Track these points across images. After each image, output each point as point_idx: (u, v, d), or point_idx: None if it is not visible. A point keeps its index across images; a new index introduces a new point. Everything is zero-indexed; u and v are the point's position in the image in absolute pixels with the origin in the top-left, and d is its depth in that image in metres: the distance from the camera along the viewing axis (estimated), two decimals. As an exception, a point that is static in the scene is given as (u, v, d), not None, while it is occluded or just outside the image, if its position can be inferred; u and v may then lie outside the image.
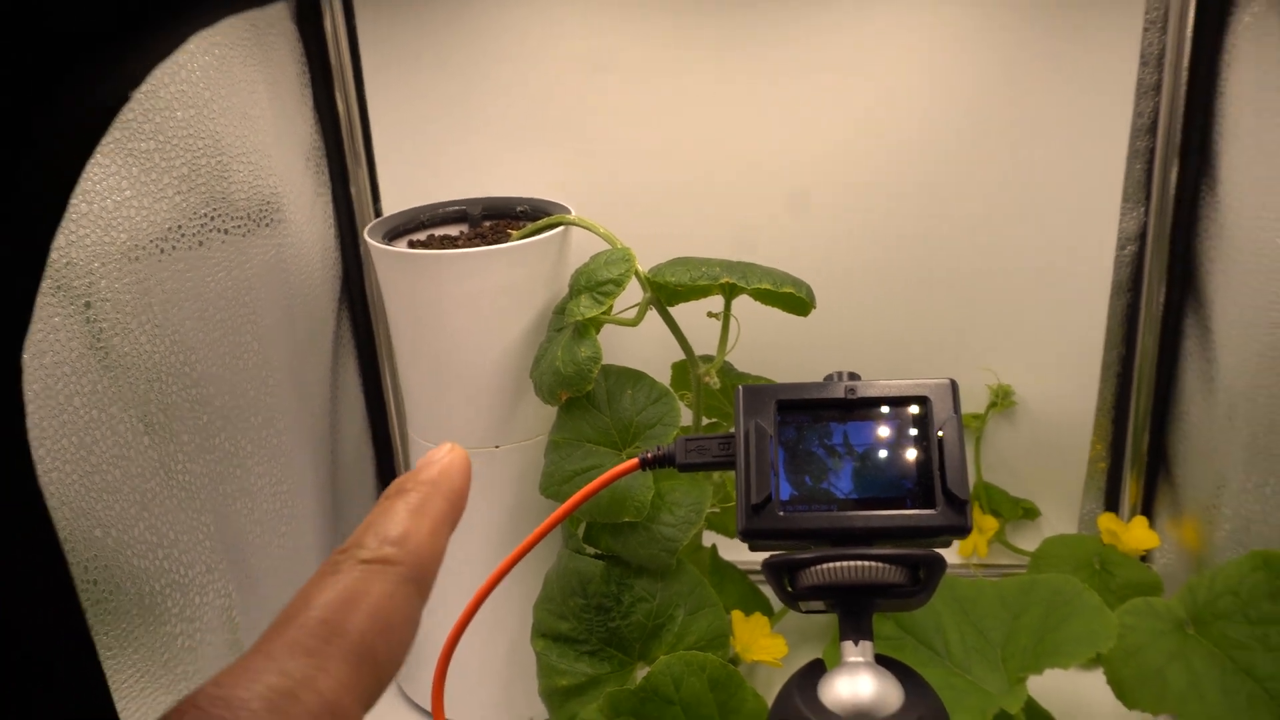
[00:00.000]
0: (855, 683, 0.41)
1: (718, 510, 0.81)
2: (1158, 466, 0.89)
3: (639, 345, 0.75)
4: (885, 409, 0.45)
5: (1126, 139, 0.81)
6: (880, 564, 0.42)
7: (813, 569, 0.42)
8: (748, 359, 0.78)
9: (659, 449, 0.48)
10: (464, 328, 0.71)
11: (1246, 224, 0.73)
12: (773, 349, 0.79)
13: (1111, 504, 0.92)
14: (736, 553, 0.86)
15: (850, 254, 0.86)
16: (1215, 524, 0.78)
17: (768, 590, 0.89)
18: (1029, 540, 0.93)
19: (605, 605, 0.70)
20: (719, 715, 0.63)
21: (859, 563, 0.42)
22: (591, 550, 0.72)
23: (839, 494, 0.44)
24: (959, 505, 0.43)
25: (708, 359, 0.73)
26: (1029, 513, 0.93)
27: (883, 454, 0.44)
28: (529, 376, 0.72)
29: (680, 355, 0.78)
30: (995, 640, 0.69)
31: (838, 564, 0.42)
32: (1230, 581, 0.68)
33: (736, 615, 0.78)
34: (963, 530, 0.43)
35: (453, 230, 0.80)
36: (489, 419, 0.74)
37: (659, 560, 0.69)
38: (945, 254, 0.87)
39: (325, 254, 0.84)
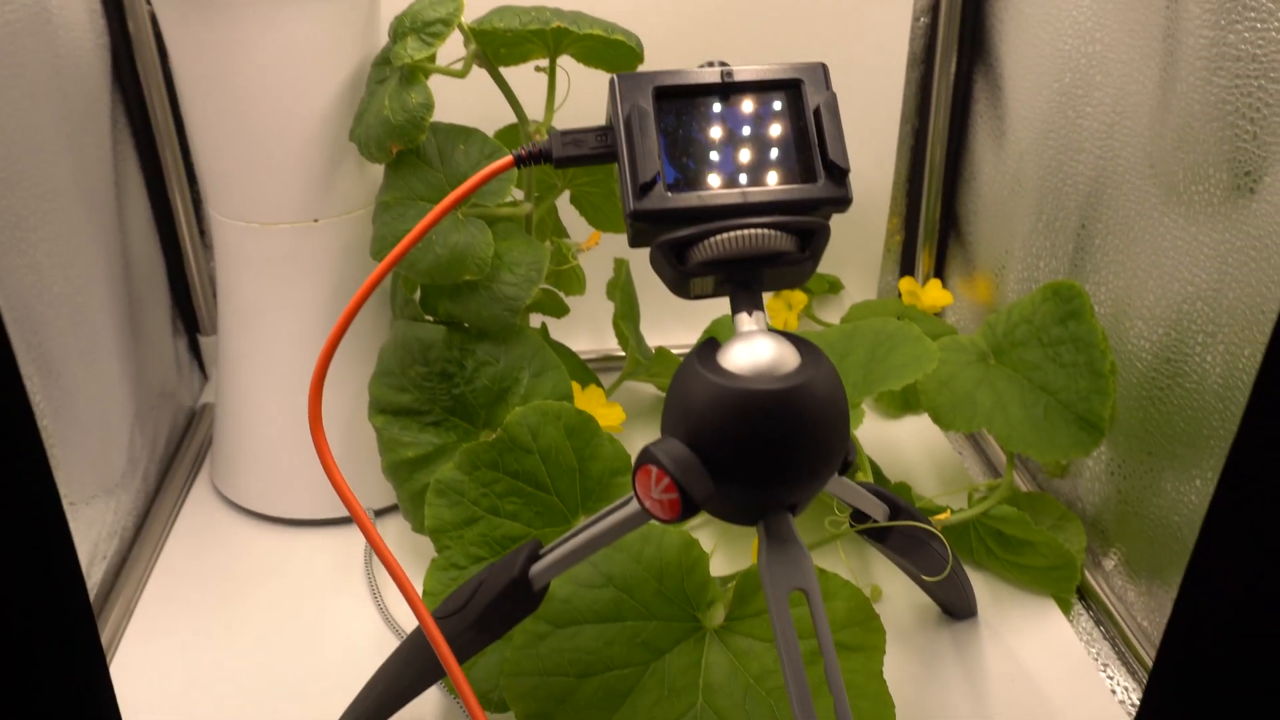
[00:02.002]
0: (754, 347, 0.42)
1: (547, 286, 0.80)
2: (949, 231, 0.95)
3: (459, 112, 0.72)
4: (761, 91, 0.45)
5: (922, -93, 0.84)
6: (771, 231, 0.42)
7: (707, 242, 0.42)
8: (573, 123, 0.76)
9: (534, 145, 0.46)
10: (269, 86, 0.65)
11: (1035, -20, 0.77)
12: (597, 113, 0.77)
13: (907, 271, 0.98)
14: (561, 336, 0.85)
15: (664, 24, 0.85)
16: (1007, 270, 0.84)
17: (597, 368, 0.90)
18: (834, 314, 0.98)
19: (449, 371, 0.68)
20: (577, 461, 0.63)
21: (751, 231, 0.42)
22: (429, 318, 0.70)
23: (723, 173, 0.44)
24: (840, 176, 0.44)
25: (535, 123, 0.71)
26: (834, 286, 0.98)
27: (762, 133, 0.44)
28: (349, 139, 0.67)
29: (503, 122, 0.76)
30: (825, 380, 0.73)
31: (731, 234, 0.42)
32: (1025, 312, 0.75)
33: (574, 387, 0.78)
34: (845, 201, 0.44)
35: (241, -10, 0.72)
36: (305, 190, 0.69)
37: (502, 320, 0.67)
38: (743, 30, 0.87)
39: (92, 19, 0.74)
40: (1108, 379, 0.67)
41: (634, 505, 0.45)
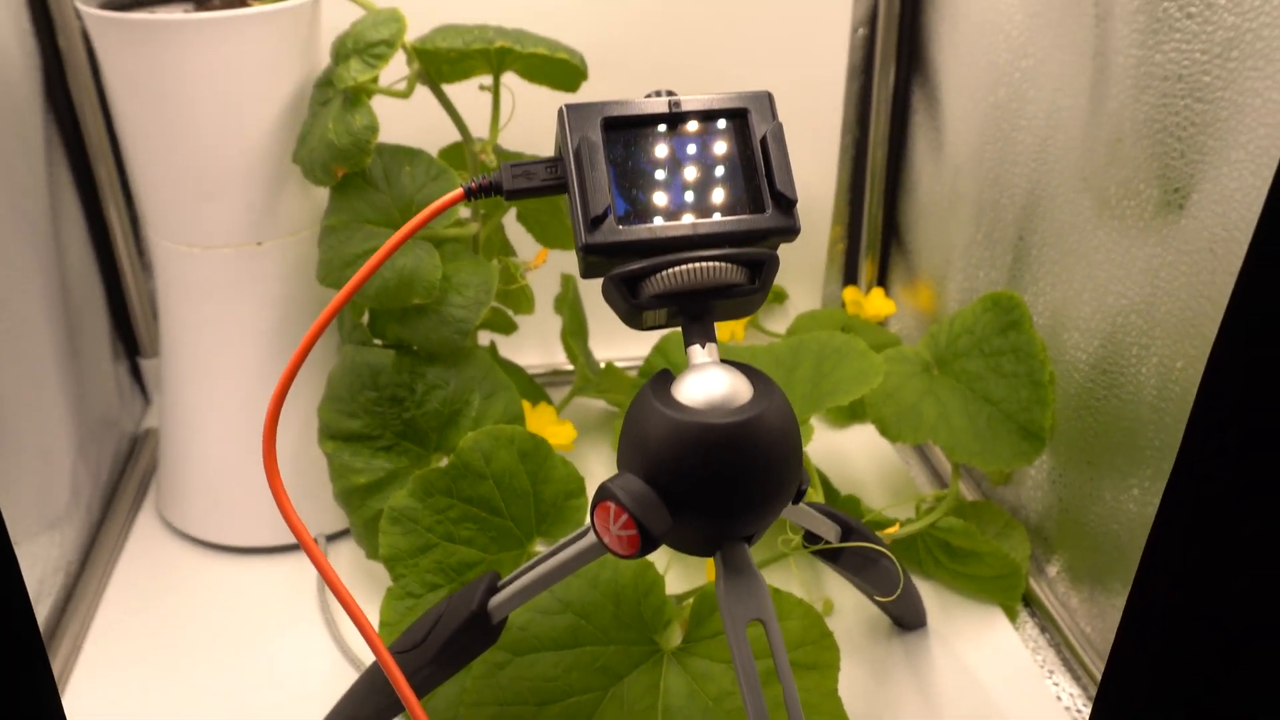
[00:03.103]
0: (707, 380, 0.42)
1: (496, 305, 0.79)
2: (891, 240, 0.97)
3: (404, 132, 0.71)
4: (709, 121, 0.45)
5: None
6: (722, 264, 0.43)
7: (658, 275, 0.43)
8: (519, 141, 0.76)
9: (484, 177, 0.46)
10: (210, 108, 0.64)
11: (970, -4, 0.79)
12: (542, 130, 0.77)
13: (850, 280, 1.00)
14: (510, 353, 0.85)
15: (607, 40, 0.85)
16: (948, 279, 0.86)
17: (546, 386, 0.90)
18: (780, 323, 0.99)
19: (399, 396, 0.68)
20: (531, 485, 0.63)
21: (702, 264, 0.43)
22: (378, 342, 0.69)
23: (672, 205, 0.44)
24: (787, 206, 0.44)
25: (480, 140, 0.71)
26: (778, 297, 0.99)
27: (710, 163, 0.45)
28: (293, 161, 0.67)
29: (447, 140, 0.75)
30: (774, 394, 0.74)
31: (682, 267, 0.42)
32: (966, 323, 0.76)
33: (524, 405, 0.78)
34: (793, 230, 0.45)
35: (176, 9, 0.71)
36: (248, 213, 0.68)
37: (451, 343, 0.67)
38: (686, 42, 0.87)
39: (22, 40, 0.72)
40: (1047, 389, 0.69)
41: (591, 538, 0.45)
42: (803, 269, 0.99)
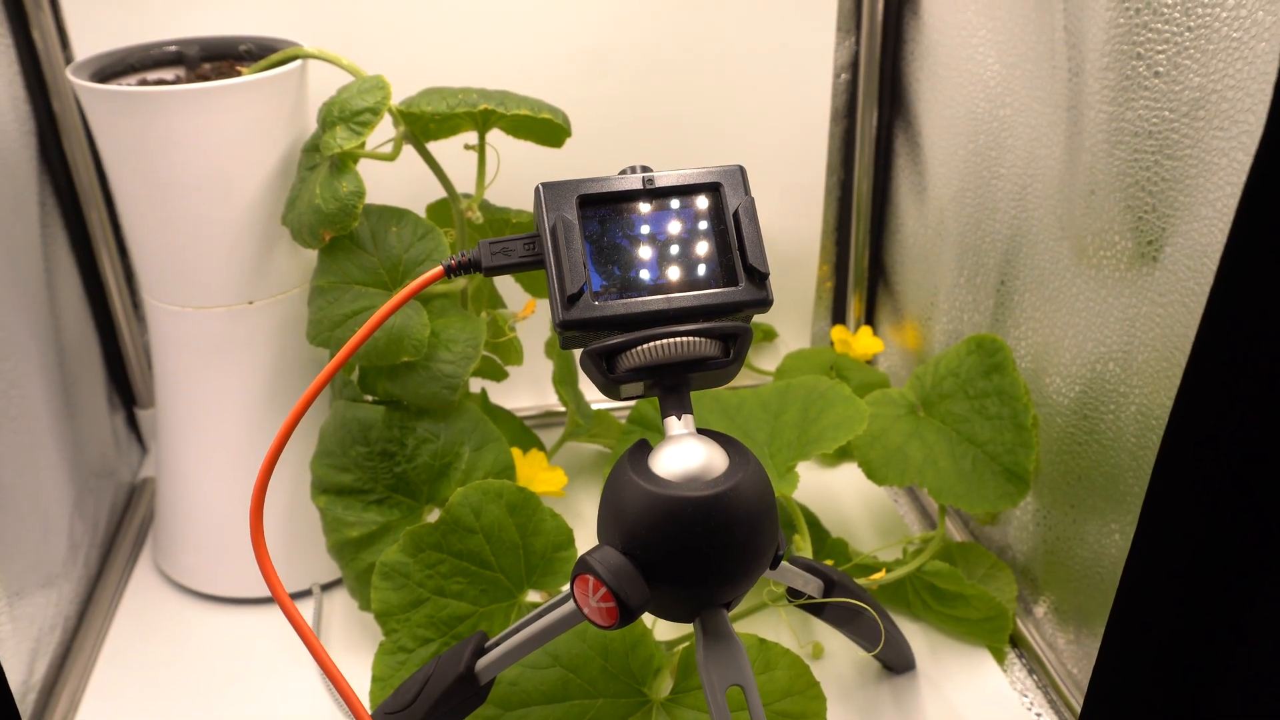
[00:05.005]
0: (683, 452, 0.43)
1: (486, 353, 0.81)
2: (877, 279, 0.98)
3: (391, 190, 0.72)
4: (682, 196, 0.46)
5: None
6: (696, 339, 0.44)
7: (634, 350, 0.44)
8: (505, 196, 0.77)
9: (463, 255, 0.47)
10: (200, 174, 0.65)
11: (948, 43, 0.80)
12: (529, 185, 0.79)
13: (839, 318, 1.01)
14: (502, 397, 0.86)
15: (593, 93, 0.87)
16: (933, 320, 0.87)
17: (537, 428, 0.90)
18: (770, 361, 1.00)
19: (389, 451, 0.69)
20: (520, 538, 0.64)
21: (677, 339, 0.44)
22: (369, 398, 0.70)
23: (647, 280, 0.45)
24: (760, 279, 0.45)
25: (467, 196, 0.72)
26: (768, 335, 1.00)
27: (684, 239, 0.46)
28: (281, 223, 0.68)
29: (435, 196, 0.77)
30: (761, 440, 0.75)
31: (657, 343, 0.44)
32: (951, 365, 0.77)
33: (515, 453, 0.79)
34: (765, 303, 0.46)
35: (167, 74, 0.72)
36: (239, 273, 0.69)
37: (441, 399, 0.68)
38: (672, 92, 0.89)
39: (16, 106, 0.73)
40: (1031, 432, 0.70)
41: (572, 605, 0.46)
42: (792, 307, 1.00)
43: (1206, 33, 0.53)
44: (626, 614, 0.41)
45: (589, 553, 0.42)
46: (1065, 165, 0.66)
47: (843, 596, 0.59)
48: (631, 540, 0.42)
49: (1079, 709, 0.65)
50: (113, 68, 0.70)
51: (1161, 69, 0.56)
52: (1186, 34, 0.54)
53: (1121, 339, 0.61)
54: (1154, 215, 0.58)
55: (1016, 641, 0.72)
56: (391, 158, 0.67)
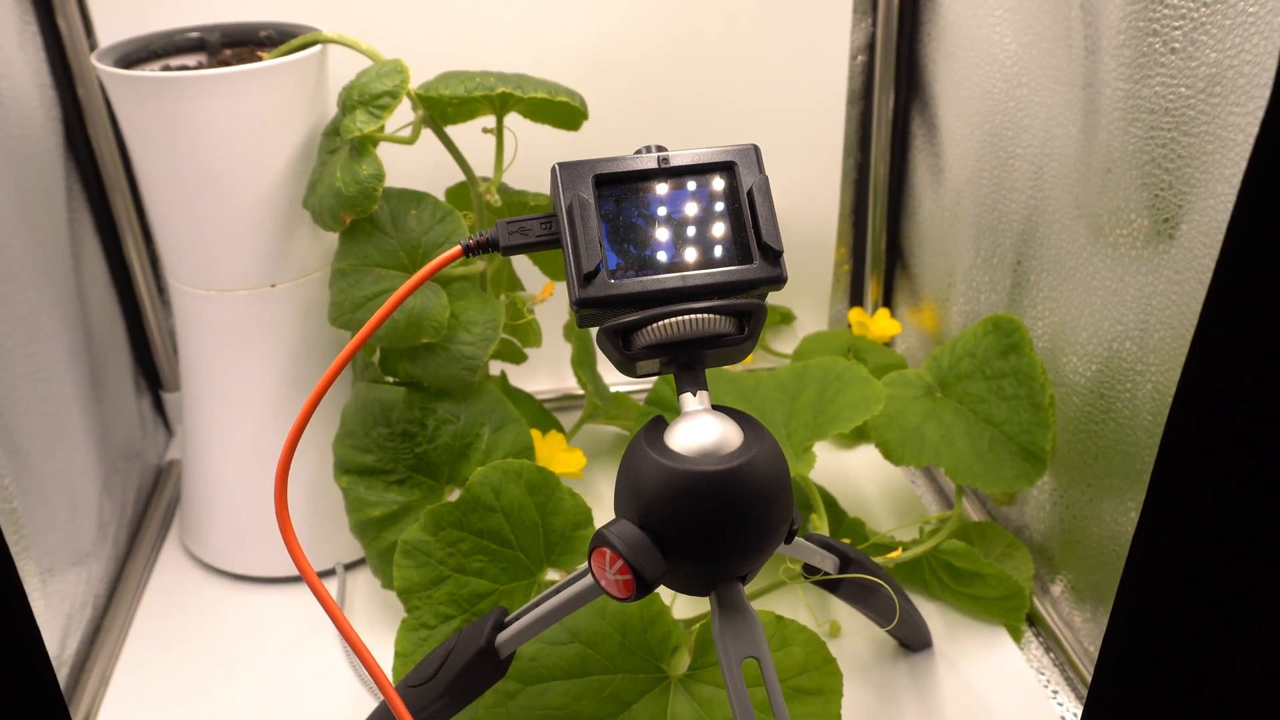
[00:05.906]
0: (699, 427, 0.44)
1: (505, 336, 0.81)
2: (895, 262, 0.98)
3: (411, 173, 0.73)
4: (697, 175, 0.47)
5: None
6: (712, 315, 0.44)
7: (650, 327, 0.44)
8: (523, 179, 0.78)
9: (481, 234, 0.47)
10: (223, 159, 0.66)
11: (964, 23, 0.80)
12: (546, 166, 0.79)
13: (856, 300, 1.01)
14: (521, 380, 0.87)
15: (610, 76, 0.87)
16: (950, 301, 0.87)
17: (556, 411, 0.91)
18: (788, 343, 1.00)
19: (410, 431, 0.70)
20: (540, 517, 0.65)
21: (692, 316, 0.44)
22: (390, 379, 0.71)
23: (663, 259, 0.45)
24: (774, 257, 0.46)
25: (485, 179, 0.72)
26: (786, 318, 1.00)
27: (699, 216, 0.46)
28: (302, 207, 0.69)
29: (454, 180, 0.77)
30: (778, 420, 0.75)
31: (673, 319, 0.44)
32: (968, 346, 0.77)
33: (534, 434, 0.80)
34: (779, 280, 0.46)
35: (189, 60, 0.73)
36: (262, 256, 0.70)
37: (461, 380, 0.69)
38: (688, 76, 0.89)
39: (42, 92, 0.74)
40: (1048, 411, 0.70)
41: (590, 579, 0.47)
42: (809, 290, 1.00)
43: (1223, 8, 0.53)
44: (643, 586, 0.42)
45: (606, 526, 0.43)
46: (1081, 144, 0.66)
47: (858, 573, 0.60)
48: (648, 514, 0.42)
49: (1095, 686, 0.66)
50: (136, 54, 0.71)
51: (1178, 45, 0.56)
52: (1203, 9, 0.54)
53: (1138, 317, 0.62)
54: (1170, 192, 0.58)
55: (1033, 620, 0.73)
56: (410, 141, 0.68)
